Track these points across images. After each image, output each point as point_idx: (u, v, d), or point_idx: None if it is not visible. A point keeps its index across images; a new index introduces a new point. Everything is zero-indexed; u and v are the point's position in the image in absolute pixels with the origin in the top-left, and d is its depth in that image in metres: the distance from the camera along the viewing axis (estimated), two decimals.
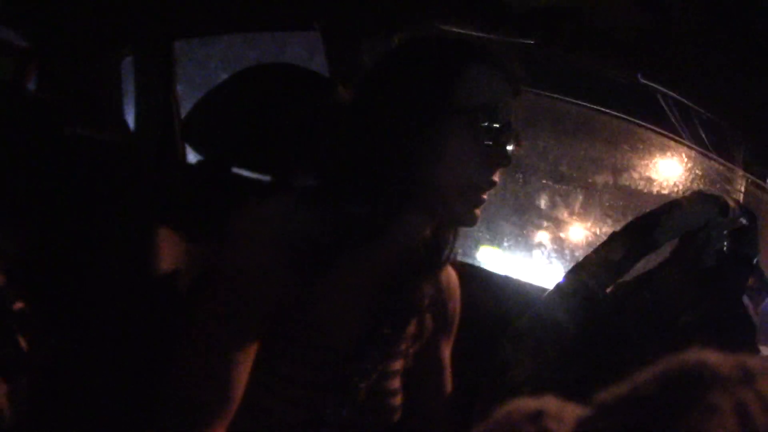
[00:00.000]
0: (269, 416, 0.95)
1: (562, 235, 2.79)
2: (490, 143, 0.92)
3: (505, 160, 0.94)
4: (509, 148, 0.95)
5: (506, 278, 1.62)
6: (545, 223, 2.82)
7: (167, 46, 1.90)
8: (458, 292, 1.17)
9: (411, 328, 1.05)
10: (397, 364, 1.06)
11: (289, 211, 0.92)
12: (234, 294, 0.90)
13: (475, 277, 1.34)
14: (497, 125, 0.92)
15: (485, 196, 0.95)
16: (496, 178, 0.94)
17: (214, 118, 1.21)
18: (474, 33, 1.35)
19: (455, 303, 1.17)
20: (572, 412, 0.29)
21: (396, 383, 1.06)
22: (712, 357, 0.28)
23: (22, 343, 1.05)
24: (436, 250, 1.04)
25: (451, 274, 1.16)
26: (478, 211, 0.95)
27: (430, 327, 1.11)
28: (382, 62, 1.00)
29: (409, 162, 0.92)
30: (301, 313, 0.94)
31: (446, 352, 1.17)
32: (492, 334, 1.13)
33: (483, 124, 0.91)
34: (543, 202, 2.81)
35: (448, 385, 1.16)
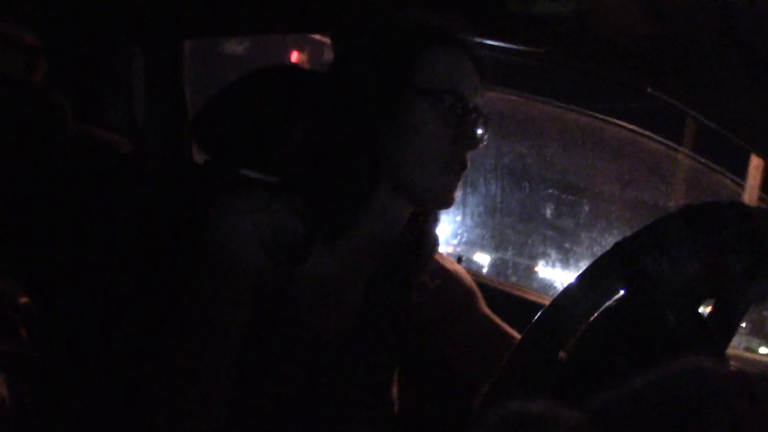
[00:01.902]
0: (263, 415, 0.95)
1: (566, 245, 2.78)
2: (456, 126, 0.93)
3: (472, 141, 0.96)
4: (479, 132, 0.97)
5: (505, 292, 1.61)
6: (550, 233, 2.82)
7: (177, 46, 1.91)
8: (463, 275, 1.15)
9: (401, 320, 1.05)
10: (390, 357, 1.05)
11: (262, 203, 0.94)
12: (209, 283, 0.92)
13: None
14: (462, 108, 0.94)
15: (458, 178, 0.96)
16: (466, 160, 0.96)
17: (222, 118, 1.22)
18: (482, 41, 1.36)
19: (461, 276, 1.14)
20: (567, 416, 0.29)
21: (390, 376, 1.06)
22: (711, 365, 0.27)
23: (23, 335, 1.05)
24: (419, 237, 1.05)
25: (444, 258, 1.16)
26: (453, 194, 0.97)
27: (432, 312, 1.09)
28: (346, 50, 1.02)
29: (377, 146, 0.93)
30: (285, 308, 0.95)
31: (483, 313, 1.11)
32: None
33: (446, 106, 0.92)
34: (548, 212, 2.81)
35: (509, 333, 1.07)
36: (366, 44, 0.99)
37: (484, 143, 1.02)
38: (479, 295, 1.15)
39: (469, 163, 0.97)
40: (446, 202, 0.98)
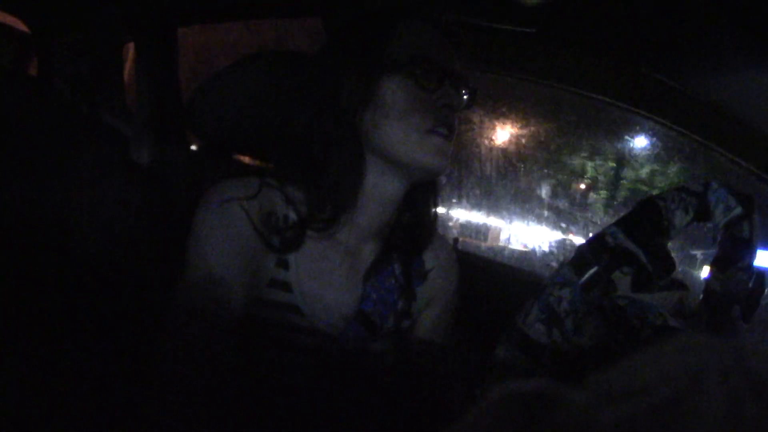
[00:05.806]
0: (261, 402, 0.95)
1: (563, 224, 2.79)
2: (434, 90, 0.95)
3: (453, 102, 0.96)
4: (465, 96, 1.00)
5: (505, 267, 1.63)
6: (546, 213, 2.83)
7: (170, 33, 1.90)
8: (454, 265, 1.17)
9: (399, 305, 1.05)
10: (388, 344, 1.05)
11: (251, 190, 0.94)
12: (202, 272, 0.89)
13: (474, 267, 1.34)
14: (437, 73, 0.96)
15: (447, 141, 0.96)
16: (453, 123, 0.97)
17: (216, 104, 1.21)
18: (475, 21, 1.35)
19: (452, 275, 1.16)
20: (569, 396, 0.29)
21: (388, 363, 1.06)
22: (705, 340, 0.28)
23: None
24: (417, 219, 1.06)
25: (446, 246, 1.16)
26: (445, 158, 0.96)
27: (426, 299, 1.10)
28: (329, 38, 1.04)
29: (359, 126, 0.95)
30: (281, 295, 0.94)
31: (446, 313, 1.14)
32: (491, 323, 1.13)
33: (420, 73, 0.94)
34: (544, 192, 2.81)
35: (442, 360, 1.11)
36: (344, 31, 1.01)
37: (471, 106, 1.03)
38: (455, 293, 1.16)
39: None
40: (436, 165, 0.96)
